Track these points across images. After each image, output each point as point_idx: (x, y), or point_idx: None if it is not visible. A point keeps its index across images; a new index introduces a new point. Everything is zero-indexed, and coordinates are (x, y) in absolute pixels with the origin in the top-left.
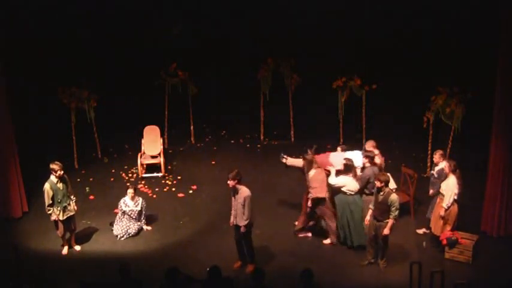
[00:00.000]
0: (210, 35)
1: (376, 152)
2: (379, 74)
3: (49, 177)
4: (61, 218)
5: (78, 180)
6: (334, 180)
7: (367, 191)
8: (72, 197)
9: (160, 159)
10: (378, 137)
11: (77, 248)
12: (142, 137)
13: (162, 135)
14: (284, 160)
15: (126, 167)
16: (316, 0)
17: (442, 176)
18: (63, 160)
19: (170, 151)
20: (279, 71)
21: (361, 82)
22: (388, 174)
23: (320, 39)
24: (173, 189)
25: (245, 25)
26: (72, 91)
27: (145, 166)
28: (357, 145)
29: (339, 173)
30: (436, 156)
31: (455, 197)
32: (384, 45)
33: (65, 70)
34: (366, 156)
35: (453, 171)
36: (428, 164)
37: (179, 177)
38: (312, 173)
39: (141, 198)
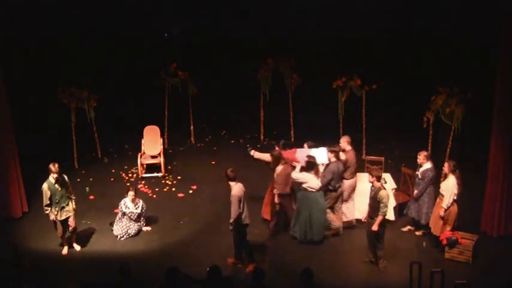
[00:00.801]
0: (210, 35)
1: (349, 148)
2: (379, 74)
3: (48, 177)
4: (59, 219)
5: (78, 180)
6: (295, 174)
7: (331, 187)
8: (72, 196)
9: (160, 159)
10: (378, 137)
11: (77, 247)
12: (142, 137)
13: (162, 135)
14: (252, 153)
15: (126, 167)
16: (316, 0)
17: (426, 177)
18: (63, 160)
19: (170, 151)
20: (279, 71)
21: (361, 82)
22: (388, 174)
23: (320, 39)
24: (173, 189)
25: (245, 25)
26: (72, 91)
27: (145, 166)
28: (357, 145)
29: (303, 169)
30: (421, 157)
31: (455, 197)
32: (384, 45)
33: (65, 70)
34: (331, 151)
35: (453, 172)
36: None
37: (179, 177)
38: (278, 169)
39: (141, 201)
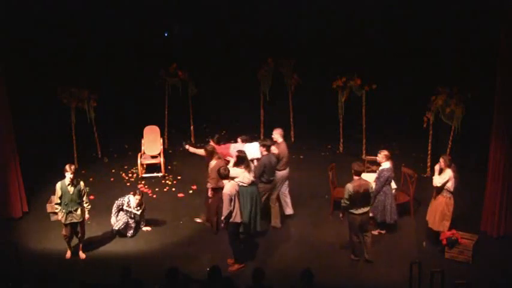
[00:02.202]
0: (210, 35)
1: (281, 140)
2: (379, 74)
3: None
4: (63, 221)
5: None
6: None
7: (264, 180)
8: (86, 205)
9: (160, 159)
10: (378, 137)
11: (82, 255)
12: (142, 137)
13: (162, 135)
14: (186, 147)
15: (126, 167)
16: (316, 1)
17: (381, 176)
18: (63, 160)
19: (170, 151)
20: (279, 71)
21: (361, 82)
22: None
23: (320, 39)
24: (173, 189)
25: (245, 25)
26: (72, 91)
27: (145, 166)
28: (357, 145)
29: (235, 164)
30: (380, 156)
31: (451, 190)
32: (384, 45)
33: (65, 70)
34: (262, 146)
35: (449, 166)
36: (428, 164)
37: (179, 177)
38: (212, 163)
39: (144, 204)
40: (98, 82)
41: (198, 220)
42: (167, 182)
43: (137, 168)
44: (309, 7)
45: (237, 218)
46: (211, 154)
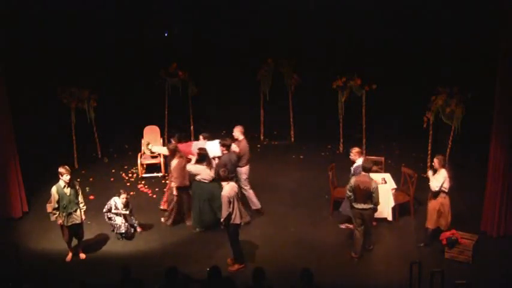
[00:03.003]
0: (210, 35)
1: (241, 137)
2: (379, 74)
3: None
4: (65, 224)
5: (78, 180)
6: (189, 167)
7: None
8: (82, 205)
9: (160, 159)
10: (378, 137)
11: (82, 256)
12: (142, 137)
13: (162, 135)
14: (149, 146)
15: (126, 167)
16: (316, 1)
17: (357, 173)
18: (63, 160)
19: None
20: (279, 71)
21: (361, 82)
22: (388, 174)
23: (320, 39)
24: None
25: (245, 25)
26: (72, 91)
27: (145, 166)
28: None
29: (197, 161)
30: (352, 154)
31: (446, 190)
32: (384, 45)
33: (65, 70)
34: (222, 145)
35: (443, 166)
36: (428, 164)
37: None
38: (174, 162)
39: (130, 205)
40: (98, 82)
41: (163, 219)
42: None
43: (137, 168)
44: (309, 7)
45: (236, 219)
46: (173, 152)
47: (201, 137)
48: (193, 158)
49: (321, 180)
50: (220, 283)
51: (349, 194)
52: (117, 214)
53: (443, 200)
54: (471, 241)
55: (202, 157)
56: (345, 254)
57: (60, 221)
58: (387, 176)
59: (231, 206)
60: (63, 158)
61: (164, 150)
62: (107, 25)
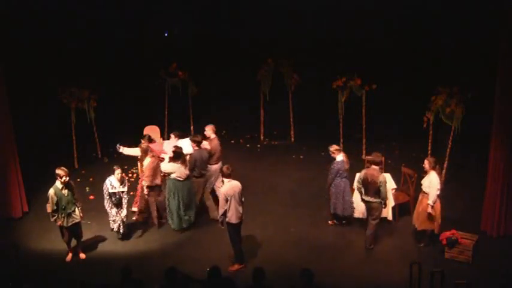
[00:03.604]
0: (210, 35)
1: (213, 136)
2: (379, 74)
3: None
4: (65, 225)
5: (78, 180)
6: (164, 166)
7: (196, 174)
8: (77, 203)
9: None
10: (378, 137)
11: (82, 256)
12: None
13: (162, 135)
14: (120, 149)
15: (126, 167)
16: (316, 1)
17: (332, 169)
18: (63, 160)
19: None
20: (279, 71)
21: (361, 82)
22: (388, 174)
23: (320, 39)
24: None
25: (245, 25)
26: (72, 91)
27: None
28: (357, 145)
29: (171, 159)
30: (331, 150)
31: (438, 192)
32: (384, 45)
33: (65, 70)
34: (193, 142)
35: (433, 168)
36: None
37: None
38: (146, 161)
39: (126, 178)
40: (98, 82)
41: (134, 218)
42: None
43: (137, 168)
44: (309, 7)
45: (232, 218)
46: (145, 152)
47: (172, 135)
48: (167, 157)
49: (321, 180)
50: (220, 283)
51: (359, 185)
52: (115, 194)
53: (437, 203)
54: (471, 241)
55: (178, 155)
56: (345, 254)
57: (59, 223)
58: (387, 176)
59: (228, 204)
60: (63, 158)
61: (135, 152)
62: (107, 25)
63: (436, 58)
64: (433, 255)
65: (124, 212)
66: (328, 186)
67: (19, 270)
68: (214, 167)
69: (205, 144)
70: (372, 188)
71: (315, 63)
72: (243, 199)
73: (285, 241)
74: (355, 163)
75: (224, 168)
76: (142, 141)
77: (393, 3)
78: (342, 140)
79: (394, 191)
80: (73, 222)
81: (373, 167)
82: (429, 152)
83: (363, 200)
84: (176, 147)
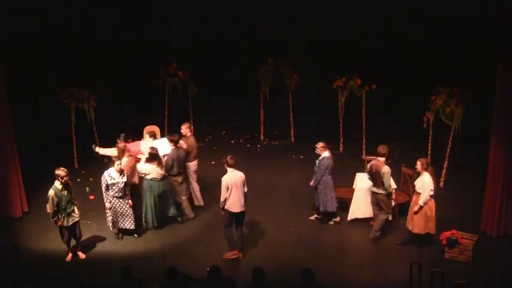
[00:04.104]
0: (210, 35)
1: (189, 134)
2: (379, 74)
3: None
4: (66, 225)
5: (78, 180)
6: (140, 167)
7: (173, 172)
8: (75, 202)
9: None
10: (378, 137)
11: (82, 256)
12: (142, 137)
13: (162, 135)
14: (96, 150)
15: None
16: (316, 1)
17: (321, 165)
18: (63, 160)
19: None
20: (279, 71)
21: (361, 82)
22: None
23: (320, 39)
24: None
25: (245, 25)
26: (72, 91)
27: None
28: (357, 145)
29: (148, 160)
30: (318, 148)
31: (432, 193)
32: (384, 45)
33: (65, 70)
34: (170, 141)
35: (426, 169)
36: None
37: None
38: (123, 161)
39: (125, 170)
40: (98, 82)
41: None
42: None
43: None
44: (309, 7)
45: (231, 207)
46: (122, 152)
47: (147, 135)
48: (143, 158)
49: None
50: (220, 283)
51: (368, 176)
52: (114, 185)
53: (430, 203)
54: (471, 241)
55: (153, 156)
56: (345, 254)
57: (60, 223)
58: None
59: (229, 192)
60: (63, 158)
61: (112, 152)
62: (107, 25)
63: (436, 58)
64: (433, 255)
65: (129, 202)
66: (317, 183)
67: (19, 270)
68: (191, 164)
69: (181, 143)
70: (377, 179)
71: (315, 63)
72: (245, 189)
73: (285, 241)
74: (355, 163)
75: (228, 158)
76: (119, 141)
77: (393, 3)
78: (342, 140)
79: (394, 191)
80: (73, 221)
81: (379, 158)
82: (429, 152)
83: (372, 191)
84: (152, 148)
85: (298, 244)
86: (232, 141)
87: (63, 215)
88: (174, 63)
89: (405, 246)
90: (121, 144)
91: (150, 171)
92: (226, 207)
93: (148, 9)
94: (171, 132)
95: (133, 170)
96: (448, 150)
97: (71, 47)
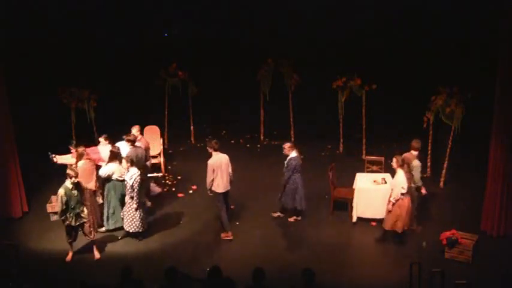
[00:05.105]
0: (210, 35)
1: (140, 136)
2: (379, 74)
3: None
4: (73, 225)
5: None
6: (102, 171)
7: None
8: (85, 203)
9: (160, 159)
10: (378, 137)
11: (97, 255)
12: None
13: (162, 135)
14: (54, 159)
15: None
16: (316, 1)
17: (289, 165)
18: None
19: (170, 151)
20: (279, 71)
21: (361, 82)
22: (388, 174)
23: (320, 39)
24: (173, 189)
25: (245, 25)
26: (72, 91)
27: None
28: (357, 145)
29: (109, 160)
30: (285, 149)
31: (404, 191)
32: (384, 45)
33: (65, 70)
34: (127, 141)
35: (401, 166)
36: (429, 164)
37: (179, 177)
38: (79, 164)
39: (137, 172)
40: (98, 82)
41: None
42: (167, 182)
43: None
44: (309, 7)
45: (217, 188)
46: (81, 156)
47: (102, 139)
48: (103, 163)
49: (321, 180)
50: (220, 283)
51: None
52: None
53: (400, 201)
54: (471, 241)
55: (115, 154)
56: (345, 254)
57: (68, 222)
58: (387, 176)
59: (215, 174)
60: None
61: (69, 159)
62: (107, 25)
63: (436, 58)
64: (433, 255)
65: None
66: (286, 182)
67: (19, 270)
68: (148, 163)
69: (138, 144)
70: (409, 171)
71: (315, 63)
72: (230, 170)
73: (285, 241)
74: (355, 163)
75: (213, 142)
76: (71, 147)
77: (393, 3)
78: (342, 140)
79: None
80: (81, 221)
81: (412, 151)
82: (429, 152)
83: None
84: (114, 146)
85: (298, 244)
86: (232, 141)
87: (71, 214)
88: (174, 63)
89: (405, 246)
90: (81, 148)
91: (114, 170)
92: (213, 188)
93: (148, 9)
94: (171, 131)
95: (89, 174)
96: (448, 150)
97: (71, 47)
